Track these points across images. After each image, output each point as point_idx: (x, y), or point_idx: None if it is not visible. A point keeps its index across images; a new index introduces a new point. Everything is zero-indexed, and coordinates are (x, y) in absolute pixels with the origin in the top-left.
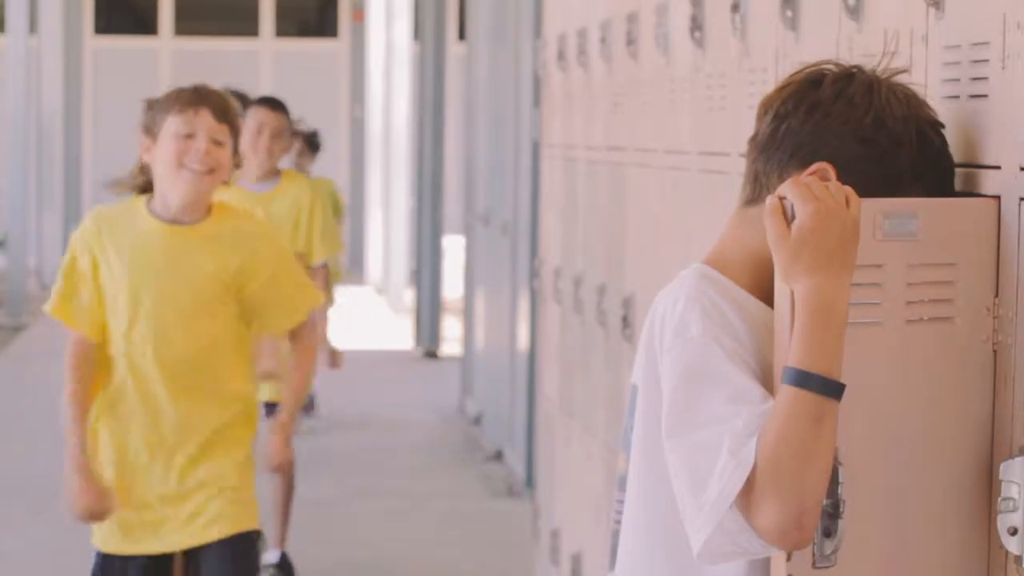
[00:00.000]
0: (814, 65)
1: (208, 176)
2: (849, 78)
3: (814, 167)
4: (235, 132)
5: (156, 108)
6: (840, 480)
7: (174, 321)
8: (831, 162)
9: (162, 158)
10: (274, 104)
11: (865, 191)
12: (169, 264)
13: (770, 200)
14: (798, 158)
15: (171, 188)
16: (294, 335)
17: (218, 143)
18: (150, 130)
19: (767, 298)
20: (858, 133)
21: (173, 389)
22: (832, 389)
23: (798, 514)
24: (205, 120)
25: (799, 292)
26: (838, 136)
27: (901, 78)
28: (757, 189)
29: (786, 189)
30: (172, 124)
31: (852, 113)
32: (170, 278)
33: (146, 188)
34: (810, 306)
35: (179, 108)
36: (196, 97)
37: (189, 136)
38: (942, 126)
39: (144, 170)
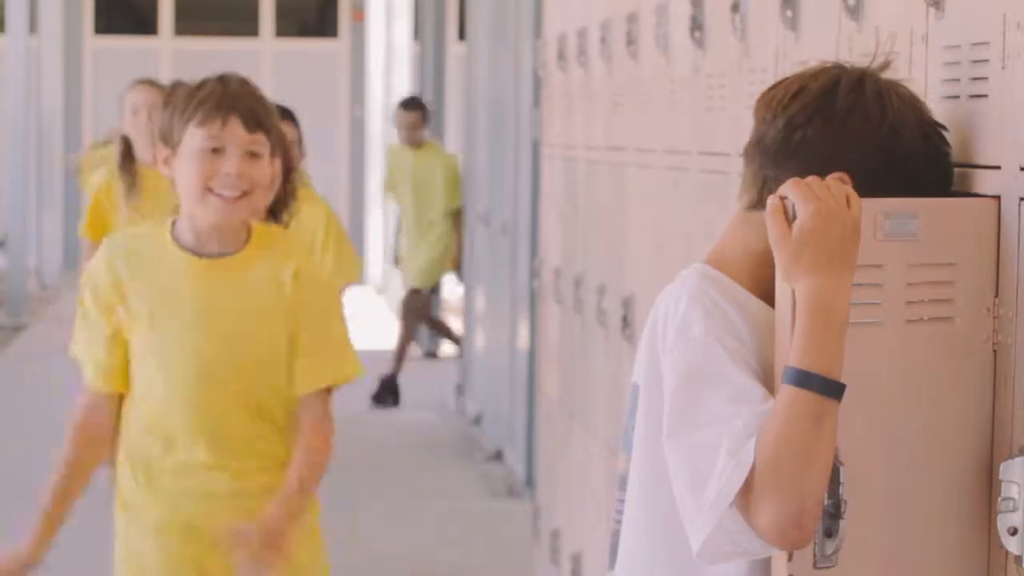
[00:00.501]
0: (820, 67)
1: (241, 201)
2: (860, 86)
3: (832, 177)
4: (274, 137)
5: (174, 111)
6: (841, 480)
7: (219, 388)
8: (848, 172)
9: (185, 179)
10: (282, 113)
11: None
12: (206, 311)
13: (771, 200)
14: (814, 169)
15: (198, 213)
16: (305, 405)
17: (253, 155)
18: (168, 139)
19: (767, 298)
20: (875, 143)
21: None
22: (832, 389)
23: (798, 514)
24: (234, 132)
25: (800, 292)
26: (856, 147)
27: (889, 72)
28: (765, 194)
29: (787, 189)
30: (194, 137)
31: (868, 125)
32: (209, 330)
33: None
34: (811, 306)
35: (202, 118)
36: (223, 103)
37: (216, 151)
38: (943, 127)
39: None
